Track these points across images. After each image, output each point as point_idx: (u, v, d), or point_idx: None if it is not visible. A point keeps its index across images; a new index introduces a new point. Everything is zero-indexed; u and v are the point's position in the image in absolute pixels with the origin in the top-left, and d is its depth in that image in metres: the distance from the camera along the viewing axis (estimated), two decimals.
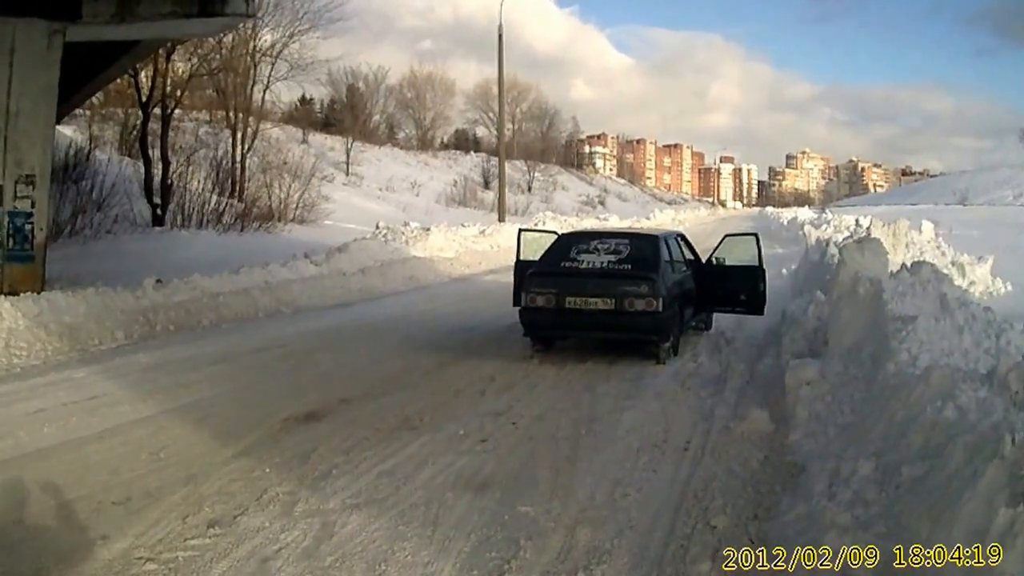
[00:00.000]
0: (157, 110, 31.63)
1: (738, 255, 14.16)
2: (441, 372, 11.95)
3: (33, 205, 15.20)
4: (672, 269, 13.19)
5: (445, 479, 7.41)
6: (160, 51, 29.26)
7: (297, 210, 37.11)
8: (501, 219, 40.32)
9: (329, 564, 5.78)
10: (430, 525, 6.40)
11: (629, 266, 12.71)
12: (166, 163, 31.10)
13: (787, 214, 58.52)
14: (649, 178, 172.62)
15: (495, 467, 7.77)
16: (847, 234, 23.94)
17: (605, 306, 12.35)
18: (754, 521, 6.53)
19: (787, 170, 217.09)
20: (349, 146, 67.00)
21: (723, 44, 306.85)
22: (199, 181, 33.56)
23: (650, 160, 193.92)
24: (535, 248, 14.19)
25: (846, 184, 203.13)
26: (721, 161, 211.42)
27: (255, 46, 40.31)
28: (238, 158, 38.33)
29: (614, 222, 48.16)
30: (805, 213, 55.62)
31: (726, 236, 14.79)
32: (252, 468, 7.63)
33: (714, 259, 14.33)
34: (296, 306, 18.16)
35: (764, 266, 14.01)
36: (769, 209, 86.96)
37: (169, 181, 30.88)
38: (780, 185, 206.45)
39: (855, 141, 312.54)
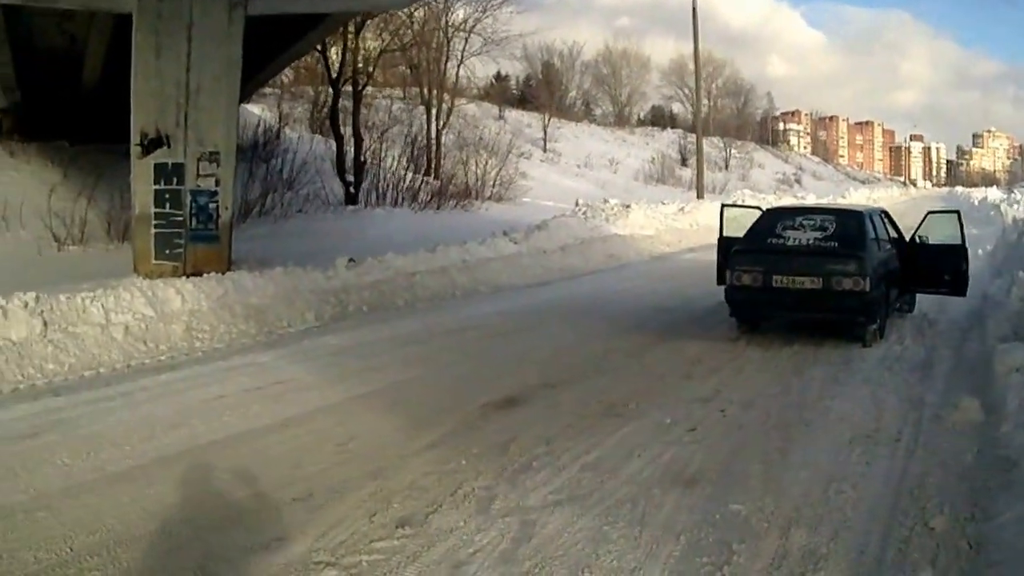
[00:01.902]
0: (348, 87, 31.70)
1: (939, 233, 13.49)
2: (644, 354, 11.49)
3: (217, 183, 15.03)
4: (878, 247, 12.59)
5: (652, 473, 6.92)
6: (350, 27, 29.24)
7: (494, 187, 36.83)
8: (700, 196, 39.62)
9: (527, 569, 5.30)
10: (636, 525, 5.92)
11: (836, 243, 12.15)
12: (358, 140, 31.06)
13: (977, 194, 56.50)
14: (842, 156, 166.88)
15: (704, 459, 7.27)
16: None
17: (812, 285, 11.83)
18: (971, 522, 5.98)
19: (974, 149, 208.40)
20: (546, 122, 66.34)
21: (912, 22, 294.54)
22: (393, 158, 33.40)
23: (842, 138, 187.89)
24: (737, 224, 13.69)
25: None
26: (911, 139, 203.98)
27: (447, 21, 40.14)
28: (433, 135, 38.23)
29: (811, 201, 46.38)
30: (994, 193, 53.48)
31: (929, 213, 14.02)
32: (446, 460, 7.16)
33: (918, 237, 13.58)
34: (494, 285, 17.75)
35: (967, 245, 13.32)
36: (959, 189, 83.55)
37: (362, 158, 30.81)
38: (968, 164, 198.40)
39: None
